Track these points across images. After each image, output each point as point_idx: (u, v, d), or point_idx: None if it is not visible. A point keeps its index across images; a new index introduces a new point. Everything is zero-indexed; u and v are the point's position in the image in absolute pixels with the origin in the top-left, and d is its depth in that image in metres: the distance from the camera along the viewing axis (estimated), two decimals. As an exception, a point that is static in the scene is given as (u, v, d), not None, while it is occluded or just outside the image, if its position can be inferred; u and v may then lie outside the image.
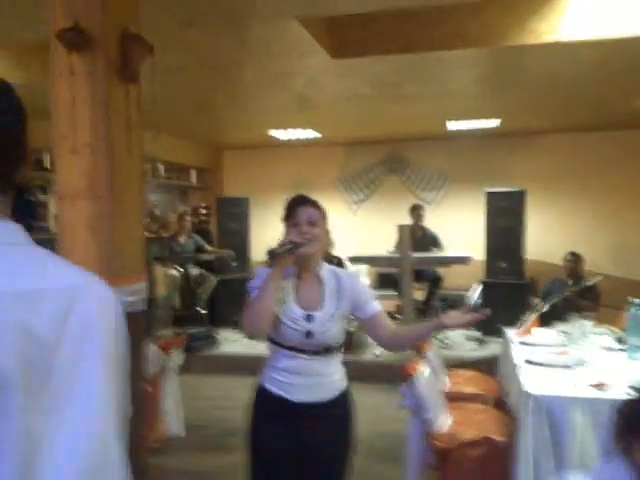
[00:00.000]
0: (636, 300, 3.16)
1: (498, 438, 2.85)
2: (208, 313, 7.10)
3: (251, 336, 2.09)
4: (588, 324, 3.66)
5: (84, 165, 2.66)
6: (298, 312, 2.00)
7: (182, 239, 7.18)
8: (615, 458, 1.25)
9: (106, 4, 2.65)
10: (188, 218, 7.40)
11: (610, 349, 3.33)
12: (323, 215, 2.07)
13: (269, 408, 2.07)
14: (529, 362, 3.09)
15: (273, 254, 1.94)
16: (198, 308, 7.03)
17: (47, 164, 6.86)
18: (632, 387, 2.47)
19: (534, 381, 2.71)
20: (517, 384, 2.91)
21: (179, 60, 4.10)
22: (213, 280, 7.15)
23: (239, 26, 3.41)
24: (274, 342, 2.04)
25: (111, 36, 2.66)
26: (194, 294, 7.03)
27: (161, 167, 7.94)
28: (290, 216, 2.04)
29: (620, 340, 3.38)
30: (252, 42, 3.86)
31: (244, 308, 1.97)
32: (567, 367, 2.94)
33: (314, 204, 2.07)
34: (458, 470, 2.88)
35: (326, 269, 2.12)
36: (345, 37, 3.84)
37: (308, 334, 1.98)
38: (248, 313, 1.94)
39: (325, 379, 2.04)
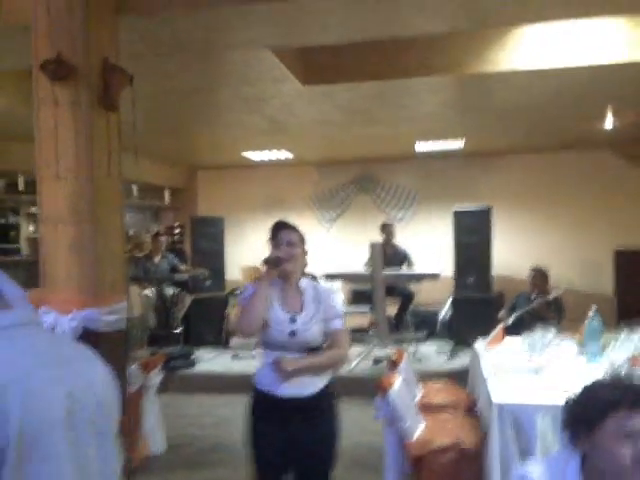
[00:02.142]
0: (594, 309, 3.37)
1: (467, 444, 3.00)
2: (183, 332, 7.13)
3: (245, 336, 2.37)
4: (550, 334, 3.87)
5: (67, 190, 2.76)
6: (283, 315, 2.33)
7: (156, 259, 7.22)
8: (566, 448, 1.41)
9: (87, 36, 2.77)
10: (162, 238, 7.45)
11: (570, 356, 3.52)
12: (302, 238, 2.42)
13: (261, 405, 2.36)
14: (495, 371, 3.27)
15: (268, 262, 2.31)
16: (174, 328, 7.06)
17: (20, 187, 6.88)
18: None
19: (499, 389, 2.88)
20: (484, 392, 3.08)
21: (155, 86, 4.23)
22: (188, 299, 7.20)
23: (214, 55, 3.57)
24: (264, 344, 2.35)
25: (92, 67, 2.78)
26: (169, 313, 7.06)
27: (134, 188, 7.99)
28: (273, 238, 2.37)
29: (579, 347, 3.58)
30: (226, 69, 4.02)
31: (238, 313, 2.32)
32: (530, 374, 3.12)
33: (294, 229, 2.41)
34: (431, 475, 3.02)
35: (305, 282, 2.44)
36: (316, 65, 4.03)
37: (292, 333, 2.31)
38: (242, 317, 2.28)
39: (308, 375, 2.32)
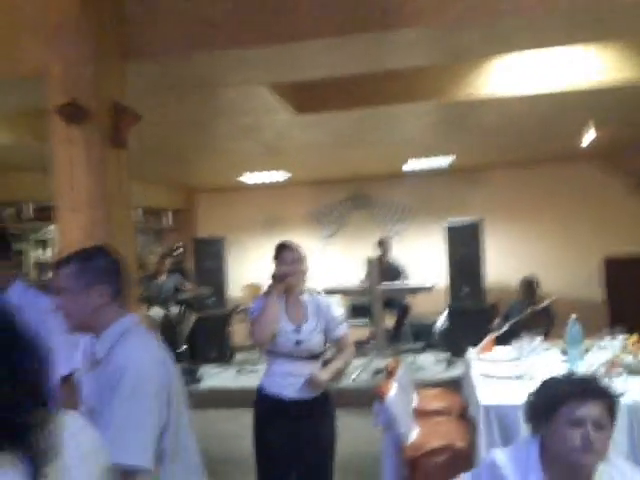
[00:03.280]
0: (573, 317, 3.60)
1: (460, 445, 3.22)
2: (188, 350, 7.33)
3: (260, 345, 2.65)
4: (537, 340, 4.10)
5: (82, 221, 3.01)
6: (289, 326, 2.58)
7: (161, 279, 7.42)
8: (528, 436, 1.64)
9: (98, 82, 3.04)
10: (167, 259, 7.65)
11: (555, 361, 3.75)
12: (303, 256, 2.68)
13: (267, 407, 2.60)
14: (485, 376, 3.50)
15: (275, 277, 2.59)
16: (179, 346, 7.26)
17: (26, 215, 7.14)
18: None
19: (487, 393, 3.11)
20: (473, 396, 3.31)
21: (156, 118, 4.49)
22: (192, 317, 7.40)
23: (211, 91, 3.86)
24: (271, 352, 2.59)
25: (103, 109, 3.03)
26: (174, 332, 7.25)
27: (139, 211, 8.23)
28: (278, 257, 2.65)
29: (564, 353, 3.80)
30: (223, 102, 4.31)
31: (251, 324, 2.57)
32: (517, 379, 3.34)
33: (296, 248, 2.68)
34: (425, 476, 3.23)
35: (306, 295, 2.71)
36: (308, 95, 4.32)
37: (297, 342, 2.56)
38: (256, 326, 2.54)
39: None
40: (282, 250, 2.66)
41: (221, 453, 4.65)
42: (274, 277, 2.59)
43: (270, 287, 2.60)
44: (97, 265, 1.70)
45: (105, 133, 3.04)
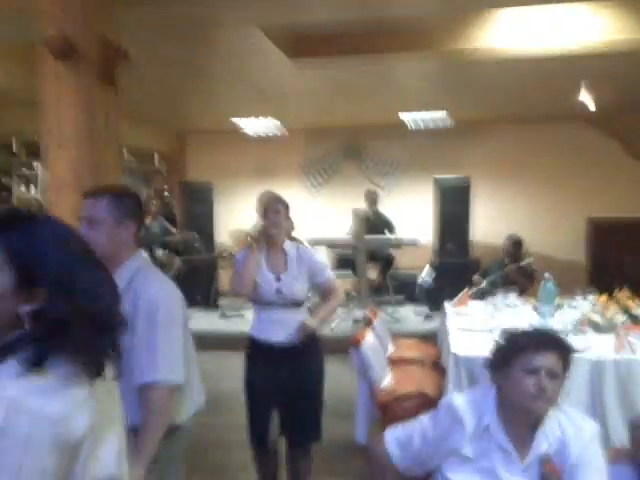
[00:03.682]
0: (547, 275, 3.71)
1: (430, 392, 3.36)
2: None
3: (239, 296, 2.76)
4: (512, 296, 4.22)
5: (69, 158, 3.01)
6: (270, 275, 2.67)
7: (147, 221, 7.45)
8: (486, 383, 1.75)
9: (88, 16, 2.99)
10: (154, 202, 7.67)
11: (527, 317, 3.88)
12: (285, 206, 2.73)
13: (256, 351, 2.73)
14: (459, 329, 3.62)
15: (252, 237, 2.67)
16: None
17: (15, 149, 7.07)
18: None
19: (459, 343, 3.24)
20: (446, 346, 3.44)
21: (148, 57, 4.42)
22: (177, 261, 7.47)
23: (204, 31, 3.78)
24: (255, 301, 2.70)
25: (92, 44, 3.00)
26: (160, 275, 7.31)
27: (127, 152, 8.17)
28: (260, 207, 2.72)
29: (535, 309, 3.93)
30: (215, 43, 4.23)
31: (232, 276, 2.72)
32: (489, 332, 3.46)
33: (278, 198, 2.74)
34: (396, 420, 3.38)
35: (289, 245, 2.77)
36: (302, 41, 4.25)
37: (278, 291, 2.66)
38: (236, 280, 2.66)
39: (295, 325, 2.68)
40: (264, 200, 2.74)
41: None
42: (251, 237, 2.67)
43: (250, 241, 2.68)
44: (128, 202, 1.83)
45: (93, 70, 3.01)
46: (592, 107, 6.06)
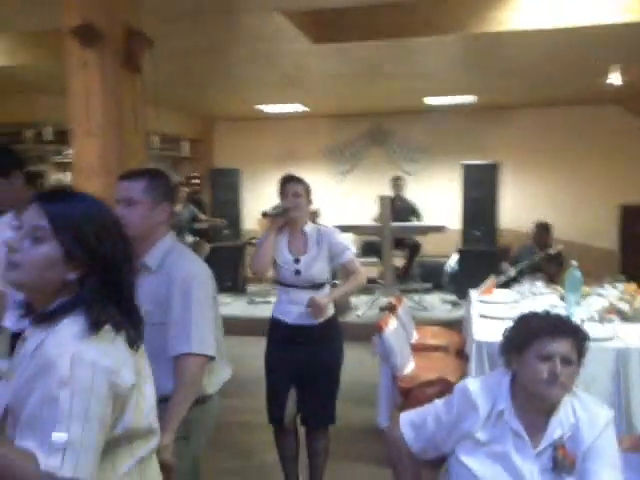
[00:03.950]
0: (574, 263, 3.64)
1: (452, 379, 3.36)
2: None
3: (258, 274, 2.81)
4: (538, 284, 4.17)
5: (97, 145, 3.08)
6: (289, 257, 2.72)
7: (177, 208, 7.54)
8: (501, 368, 1.74)
9: (112, 3, 3.03)
10: (185, 188, 7.75)
11: (553, 305, 3.82)
12: (306, 189, 2.75)
13: (275, 331, 2.79)
14: (483, 316, 3.60)
15: (266, 214, 2.70)
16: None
17: (46, 137, 7.23)
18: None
19: (482, 330, 3.22)
20: (470, 333, 3.42)
21: (173, 45, 4.46)
22: (207, 247, 7.56)
23: (228, 17, 3.79)
24: (277, 282, 2.77)
25: (117, 32, 3.05)
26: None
27: (156, 139, 8.26)
28: (281, 190, 2.75)
29: (562, 298, 3.87)
30: (240, 29, 4.25)
31: (252, 256, 2.81)
32: (511, 319, 3.43)
33: (299, 180, 2.76)
34: (417, 406, 3.39)
35: (310, 227, 2.79)
36: (325, 25, 4.23)
37: (297, 272, 2.70)
38: (254, 258, 2.74)
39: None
40: (285, 182, 2.75)
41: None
42: (264, 215, 2.70)
43: (270, 222, 2.71)
44: (165, 184, 1.91)
45: (119, 57, 3.06)
46: (621, 86, 5.84)
